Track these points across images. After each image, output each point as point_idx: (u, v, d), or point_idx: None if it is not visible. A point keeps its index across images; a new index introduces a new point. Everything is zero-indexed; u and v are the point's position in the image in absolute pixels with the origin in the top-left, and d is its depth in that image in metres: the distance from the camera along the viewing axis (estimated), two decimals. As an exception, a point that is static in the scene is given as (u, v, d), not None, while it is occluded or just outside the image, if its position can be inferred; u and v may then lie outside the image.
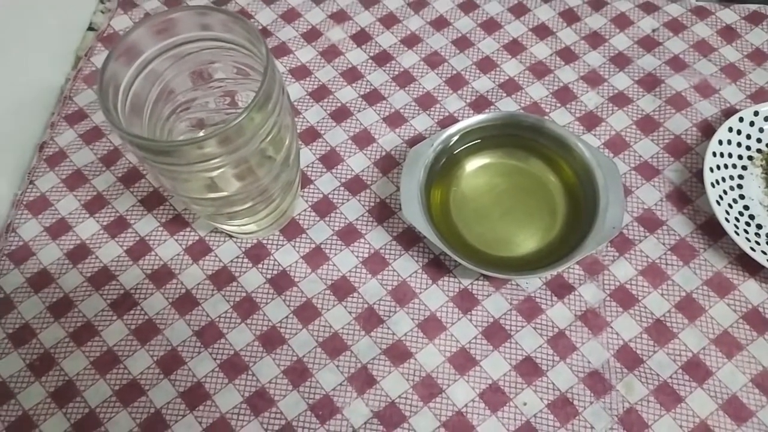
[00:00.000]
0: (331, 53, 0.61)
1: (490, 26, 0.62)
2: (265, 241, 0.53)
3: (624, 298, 0.50)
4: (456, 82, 0.59)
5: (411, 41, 0.62)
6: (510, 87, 0.59)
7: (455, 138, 0.53)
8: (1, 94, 0.54)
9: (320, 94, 0.59)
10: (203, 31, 0.45)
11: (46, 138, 0.58)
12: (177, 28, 0.45)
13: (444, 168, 0.53)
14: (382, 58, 0.61)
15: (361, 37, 0.62)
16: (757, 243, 0.50)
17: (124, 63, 0.43)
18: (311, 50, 0.62)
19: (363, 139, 0.57)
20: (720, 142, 0.53)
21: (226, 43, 0.45)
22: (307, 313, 0.50)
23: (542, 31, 0.62)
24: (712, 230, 0.52)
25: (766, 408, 0.46)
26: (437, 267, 0.52)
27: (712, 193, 0.51)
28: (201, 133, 0.52)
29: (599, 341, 0.49)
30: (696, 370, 0.48)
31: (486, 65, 0.60)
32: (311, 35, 0.62)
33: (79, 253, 0.53)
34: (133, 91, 0.45)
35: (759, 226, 0.51)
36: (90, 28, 0.64)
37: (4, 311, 0.51)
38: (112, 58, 0.41)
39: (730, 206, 0.52)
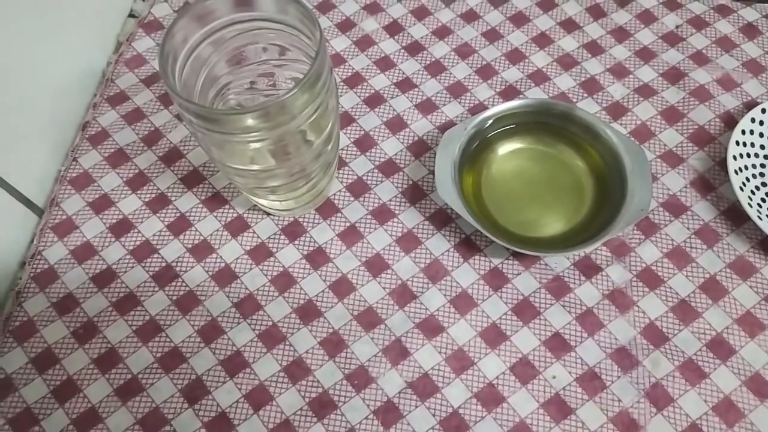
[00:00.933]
0: (364, 43, 0.63)
1: (519, 20, 0.64)
2: (301, 219, 0.55)
3: (650, 279, 0.52)
4: (486, 72, 0.61)
5: (442, 32, 0.64)
6: (538, 77, 0.61)
7: (488, 122, 0.55)
8: (45, 77, 0.56)
9: (354, 81, 0.61)
10: (254, 11, 0.47)
11: (89, 118, 0.60)
12: (226, 8, 0.47)
13: (476, 151, 0.55)
14: (413, 48, 0.63)
15: (393, 28, 0.64)
16: (779, 228, 0.52)
17: (180, 42, 0.45)
18: (346, 40, 0.64)
19: (396, 125, 0.59)
20: (743, 132, 0.55)
21: (277, 23, 0.47)
22: (342, 288, 0.52)
23: (569, 25, 0.64)
24: (734, 216, 0.54)
25: (788, 385, 0.48)
26: (468, 246, 0.53)
27: (736, 180, 0.52)
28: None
29: (626, 319, 0.50)
30: (720, 348, 0.49)
31: (515, 56, 0.62)
32: (345, 25, 0.65)
33: (122, 228, 0.55)
34: (185, 72, 0.47)
35: (781, 212, 0.53)
36: (131, 15, 0.66)
37: (49, 281, 0.53)
38: (169, 38, 0.43)
39: (753, 193, 0.53)
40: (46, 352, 0.51)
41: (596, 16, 0.65)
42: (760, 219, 0.51)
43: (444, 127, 0.59)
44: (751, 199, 0.52)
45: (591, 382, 0.49)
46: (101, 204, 0.56)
